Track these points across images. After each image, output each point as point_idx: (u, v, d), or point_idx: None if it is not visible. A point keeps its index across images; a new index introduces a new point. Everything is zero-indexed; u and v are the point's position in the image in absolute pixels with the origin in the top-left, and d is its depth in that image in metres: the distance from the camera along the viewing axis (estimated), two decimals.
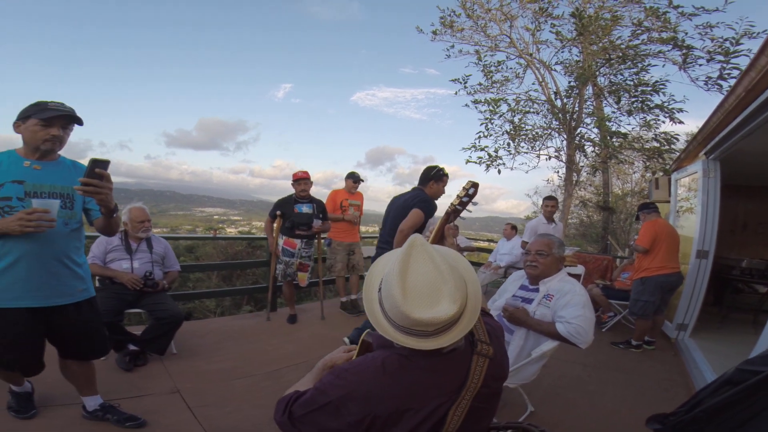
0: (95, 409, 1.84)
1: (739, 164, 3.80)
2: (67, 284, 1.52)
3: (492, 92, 7.40)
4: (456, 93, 7.66)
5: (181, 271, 2.96)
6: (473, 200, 1.51)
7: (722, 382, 1.12)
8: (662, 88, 5.62)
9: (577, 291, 1.79)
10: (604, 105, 6.73)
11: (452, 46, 7.57)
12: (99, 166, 1.30)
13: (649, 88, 5.70)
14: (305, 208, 3.57)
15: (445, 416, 0.79)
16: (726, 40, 4.81)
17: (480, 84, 7.49)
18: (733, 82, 4.51)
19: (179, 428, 1.91)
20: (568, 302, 1.77)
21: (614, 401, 2.46)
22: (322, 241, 4.07)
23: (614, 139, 5.87)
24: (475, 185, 1.51)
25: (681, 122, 5.80)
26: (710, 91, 5.14)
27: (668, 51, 5.40)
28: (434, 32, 7.55)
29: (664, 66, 5.72)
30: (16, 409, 1.78)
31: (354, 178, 4.21)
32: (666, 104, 5.74)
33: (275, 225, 3.61)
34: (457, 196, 1.53)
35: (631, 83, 5.97)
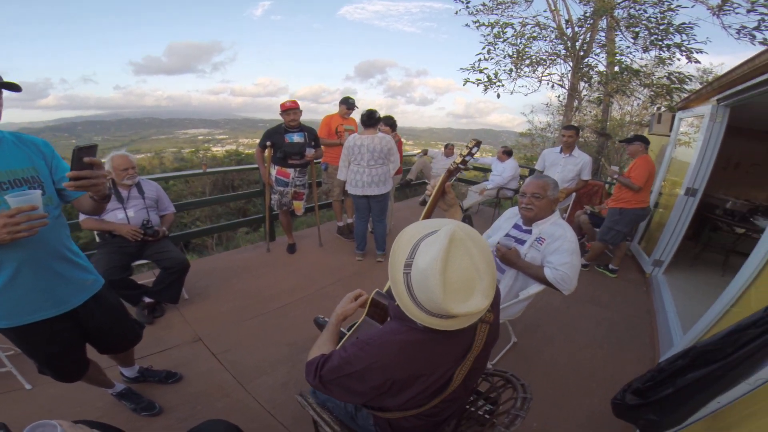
0: (135, 376, 1.98)
1: (747, 111, 3.70)
2: (76, 280, 1.38)
3: (496, 13, 6.69)
4: (457, 12, 6.90)
5: (176, 212, 2.94)
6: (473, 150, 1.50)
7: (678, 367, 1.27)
8: (688, 31, 5.10)
9: (567, 237, 1.84)
10: (618, 38, 6.17)
11: None
12: (86, 153, 1.06)
13: (673, 28, 5.17)
14: (296, 137, 3.46)
15: (451, 377, 0.93)
16: None
17: (484, 4, 6.76)
18: None
19: (211, 376, 2.14)
20: (557, 248, 1.83)
21: (586, 336, 2.76)
22: (319, 165, 4.08)
23: (624, 74, 5.52)
24: (477, 143, 1.50)
25: (698, 62, 5.44)
26: (740, 39, 4.70)
27: None
28: None
29: (693, 7, 5.10)
30: (142, 407, 1.81)
31: (348, 104, 4.08)
32: (685, 43, 5.28)
33: (266, 154, 3.53)
34: (460, 154, 1.51)
35: (654, 20, 5.38)
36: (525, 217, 1.98)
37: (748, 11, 4.56)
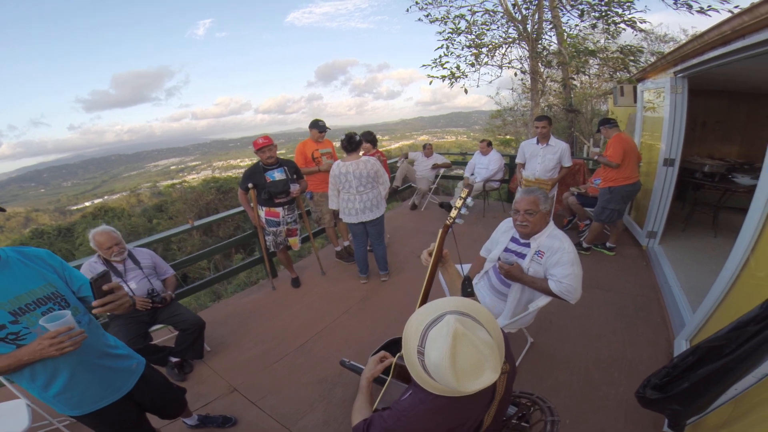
0: (196, 424, 2.21)
1: (704, 80, 3.90)
2: (123, 368, 1.56)
3: (444, 5, 6.80)
4: (408, 9, 6.98)
5: (176, 273, 2.91)
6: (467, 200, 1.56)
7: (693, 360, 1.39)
8: (630, 4, 5.31)
9: (566, 248, 1.89)
10: (565, 17, 6.35)
11: None
12: (102, 282, 1.22)
13: (614, 2, 5.36)
14: (277, 174, 3.40)
15: (482, 421, 1.09)
16: None
17: None
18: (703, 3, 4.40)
19: (257, 424, 2.25)
20: (558, 260, 1.88)
21: (598, 324, 2.87)
22: (304, 195, 4.03)
23: (581, 55, 5.70)
24: (469, 192, 1.57)
25: (642, 31, 5.68)
26: (678, 9, 4.95)
27: None
28: None
29: None
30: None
31: (319, 128, 3.98)
32: (626, 14, 5.49)
33: (251, 196, 3.48)
34: (455, 207, 1.58)
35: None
36: (521, 233, 2.03)
37: None
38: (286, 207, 3.53)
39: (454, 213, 1.56)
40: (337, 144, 3.94)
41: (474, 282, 2.30)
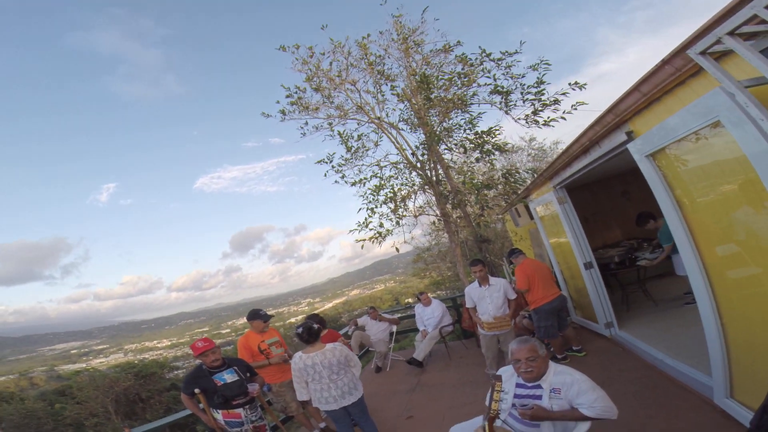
0: None
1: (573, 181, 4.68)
2: None
3: (356, 164, 7.52)
4: (326, 175, 7.58)
5: None
6: None
7: None
8: (498, 133, 6.77)
9: (578, 378, 1.98)
10: (449, 155, 7.53)
11: (306, 123, 7.53)
12: None
13: (487, 134, 6.74)
14: (228, 376, 3.00)
15: None
16: (527, 82, 6.05)
17: (342, 157, 7.55)
18: (544, 115, 5.88)
19: None
20: (578, 391, 1.93)
21: (632, 415, 2.69)
22: (262, 389, 3.46)
23: (483, 190, 6.64)
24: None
25: (507, 151, 7.17)
26: (530, 127, 6.49)
27: (489, 97, 6.56)
28: (282, 112, 7.40)
29: (490, 110, 6.91)
30: None
31: (263, 318, 3.73)
32: (499, 142, 6.85)
33: (200, 399, 2.96)
34: (493, 401, 1.84)
35: (470, 133, 6.87)
36: (528, 378, 2.07)
37: (524, 101, 6.17)
38: (247, 407, 3.06)
39: (495, 406, 1.73)
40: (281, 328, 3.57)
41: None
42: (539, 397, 2.05)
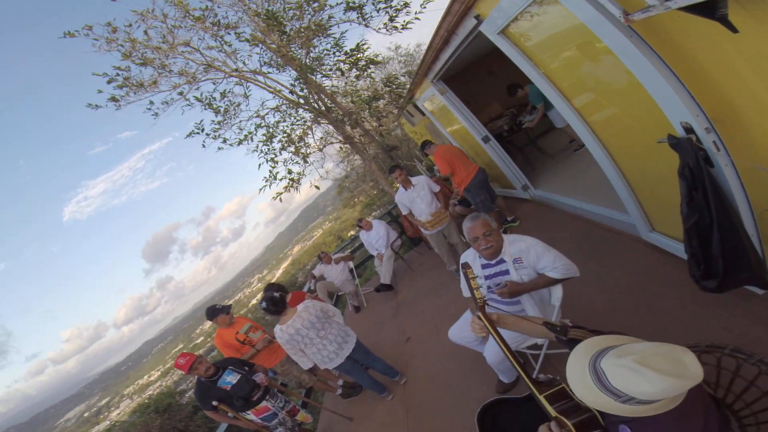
0: None
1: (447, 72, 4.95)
2: None
3: (233, 123, 6.87)
4: (203, 145, 6.79)
5: None
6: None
7: None
8: (366, 47, 6.60)
9: (531, 242, 1.99)
10: (326, 82, 7.29)
11: (151, 103, 6.44)
12: None
13: (357, 51, 6.59)
14: (230, 378, 3.01)
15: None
16: None
17: (214, 121, 6.82)
18: (400, 20, 5.89)
19: None
20: (537, 255, 1.95)
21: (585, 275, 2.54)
22: (268, 376, 3.55)
23: (373, 103, 6.66)
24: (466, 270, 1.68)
25: (380, 62, 7.20)
26: (392, 34, 6.43)
27: (346, 15, 6.26)
28: (113, 99, 6.16)
29: (351, 27, 6.59)
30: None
31: (223, 311, 3.70)
32: (370, 56, 6.76)
33: (224, 409, 3.01)
34: (473, 282, 1.63)
35: (340, 55, 6.64)
36: (490, 255, 2.04)
37: (378, 11, 6.06)
38: (267, 397, 3.19)
39: (479, 294, 1.58)
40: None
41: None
42: (506, 272, 2.04)
